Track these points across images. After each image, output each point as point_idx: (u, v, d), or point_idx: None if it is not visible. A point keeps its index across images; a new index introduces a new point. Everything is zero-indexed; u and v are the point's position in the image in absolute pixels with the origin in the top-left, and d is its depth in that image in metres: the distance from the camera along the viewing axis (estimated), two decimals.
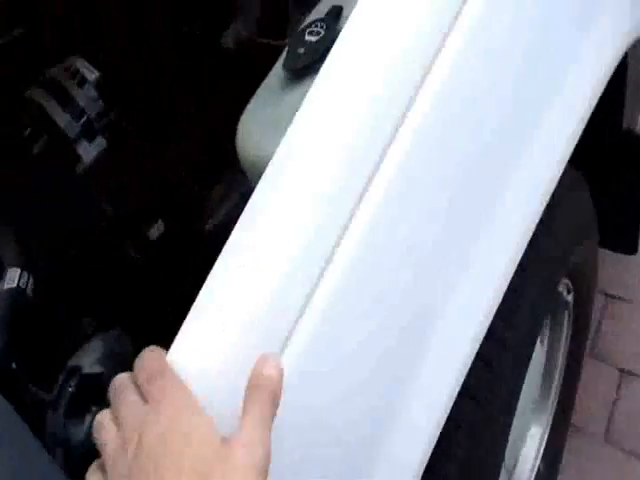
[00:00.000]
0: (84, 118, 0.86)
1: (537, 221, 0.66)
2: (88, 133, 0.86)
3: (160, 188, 0.94)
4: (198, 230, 0.90)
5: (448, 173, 0.56)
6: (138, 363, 0.45)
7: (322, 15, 0.59)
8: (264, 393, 0.41)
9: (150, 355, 0.45)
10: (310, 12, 0.62)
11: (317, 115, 0.50)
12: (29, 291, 0.75)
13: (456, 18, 0.53)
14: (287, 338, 0.46)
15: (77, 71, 0.88)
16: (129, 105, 0.88)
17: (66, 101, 0.87)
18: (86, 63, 0.88)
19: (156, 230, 0.93)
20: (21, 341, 0.71)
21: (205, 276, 0.47)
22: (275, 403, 0.42)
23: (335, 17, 0.58)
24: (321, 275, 0.47)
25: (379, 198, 0.50)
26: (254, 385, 0.42)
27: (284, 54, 0.60)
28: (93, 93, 0.86)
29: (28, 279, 0.76)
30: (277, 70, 0.62)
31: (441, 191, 0.56)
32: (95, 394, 0.56)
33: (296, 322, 0.46)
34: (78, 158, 0.86)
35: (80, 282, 0.85)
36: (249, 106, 0.62)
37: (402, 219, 0.53)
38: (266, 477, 0.39)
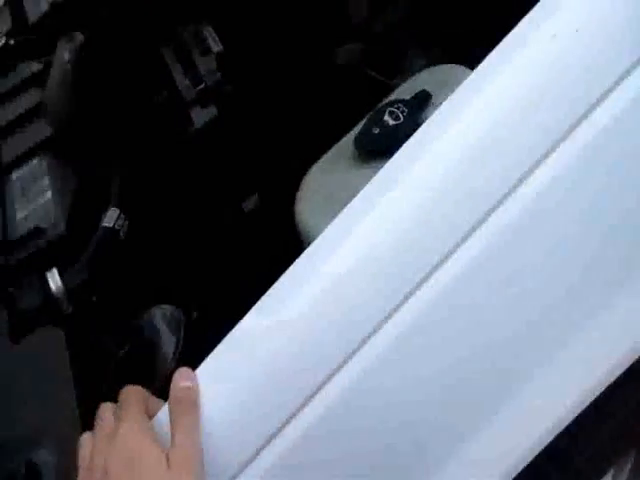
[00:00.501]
0: (201, 86, 0.90)
1: None
2: (202, 100, 0.90)
3: (260, 164, 0.97)
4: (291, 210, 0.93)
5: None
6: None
7: (408, 96, 0.57)
8: (186, 404, 0.45)
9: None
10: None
11: (375, 207, 0.47)
12: (122, 234, 0.81)
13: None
14: None
15: (204, 40, 0.92)
16: (244, 82, 0.91)
17: (189, 66, 0.91)
18: (214, 34, 0.92)
19: (251, 203, 0.97)
20: (106, 279, 0.77)
21: (291, 259, 0.49)
22: (197, 410, 0.45)
23: (420, 104, 0.55)
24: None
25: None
26: (175, 398, 0.46)
27: (360, 127, 0.59)
28: (213, 65, 0.90)
29: (124, 222, 0.82)
30: (348, 142, 0.61)
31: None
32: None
33: None
34: (190, 121, 0.90)
35: (171, 239, 0.90)
36: (313, 170, 0.62)
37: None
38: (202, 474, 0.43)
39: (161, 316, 0.69)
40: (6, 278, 0.77)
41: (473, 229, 0.46)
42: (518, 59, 0.48)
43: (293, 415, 0.47)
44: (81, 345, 0.67)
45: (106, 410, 0.48)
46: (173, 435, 0.45)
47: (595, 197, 0.48)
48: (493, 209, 0.46)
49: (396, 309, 0.46)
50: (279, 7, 0.90)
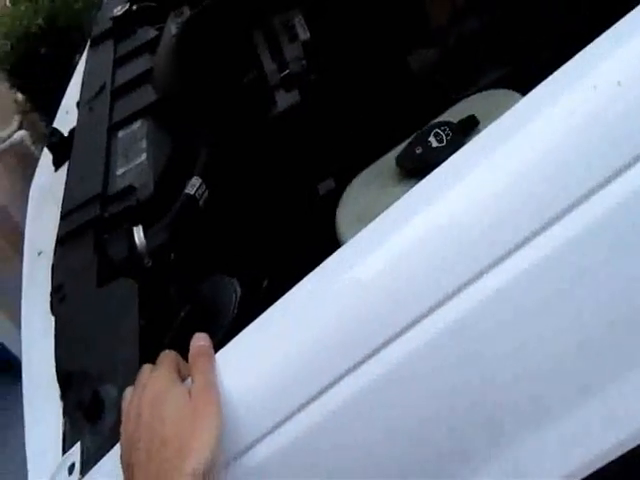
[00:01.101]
0: (286, 71, 0.93)
1: None
2: (286, 85, 0.93)
3: (337, 149, 0.99)
4: None
5: None
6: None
7: (455, 119, 0.57)
8: (203, 355, 0.53)
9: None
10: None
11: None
12: (201, 202, 0.87)
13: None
14: None
15: (293, 27, 0.95)
16: (328, 71, 0.93)
17: (276, 52, 0.95)
18: (303, 22, 0.94)
19: (326, 186, 1.00)
20: (184, 240, 0.84)
21: None
22: (212, 359, 0.53)
23: (466, 129, 0.55)
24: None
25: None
26: (194, 352, 0.54)
27: (403, 145, 0.59)
28: (300, 52, 0.92)
29: (204, 191, 0.88)
30: (390, 159, 0.61)
31: None
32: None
33: None
34: (273, 104, 0.94)
35: (246, 213, 0.95)
36: (355, 182, 0.62)
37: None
38: (219, 407, 0.49)
39: (222, 284, 0.75)
40: (101, 228, 0.85)
41: (501, 259, 0.47)
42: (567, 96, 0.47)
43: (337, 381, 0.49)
44: (152, 298, 0.74)
45: (145, 369, 0.55)
46: (193, 377, 0.52)
47: None
48: (520, 245, 0.46)
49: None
50: (366, 5, 0.91)
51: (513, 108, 0.48)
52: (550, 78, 0.48)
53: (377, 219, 0.50)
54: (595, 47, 0.48)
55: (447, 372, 0.48)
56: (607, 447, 0.50)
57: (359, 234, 0.50)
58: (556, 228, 0.45)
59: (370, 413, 0.49)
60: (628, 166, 0.45)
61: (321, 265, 0.52)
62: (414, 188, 0.48)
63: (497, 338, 0.48)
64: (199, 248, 0.84)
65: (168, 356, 0.55)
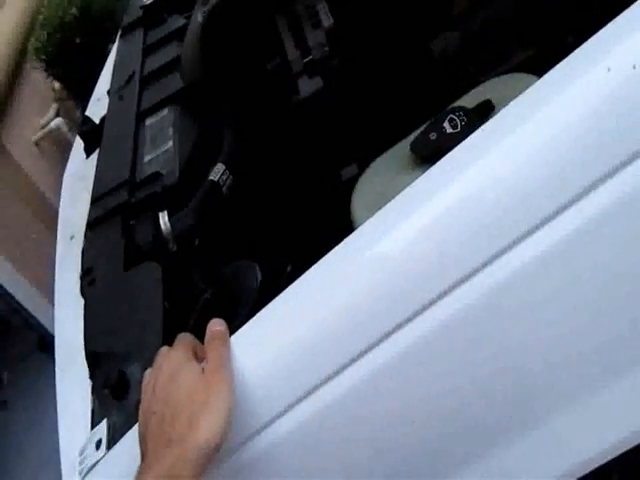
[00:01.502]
0: (309, 57, 0.93)
1: None
2: (309, 71, 0.93)
3: (360, 135, 0.99)
4: None
5: None
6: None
7: (471, 105, 0.56)
8: (218, 338, 0.55)
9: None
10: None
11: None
12: (225, 188, 0.88)
13: None
14: None
15: (316, 13, 0.95)
16: (351, 58, 0.93)
17: (299, 38, 0.95)
18: (326, 8, 0.94)
19: (350, 171, 1.00)
20: (208, 225, 0.86)
21: None
22: (227, 342, 0.55)
23: (481, 114, 0.54)
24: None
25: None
26: (210, 335, 0.56)
27: (418, 131, 0.58)
28: (322, 39, 0.92)
29: (227, 178, 0.89)
30: (405, 145, 0.60)
31: None
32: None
33: None
34: (296, 90, 0.94)
35: (271, 199, 0.96)
36: (370, 168, 0.62)
37: None
38: (232, 387, 0.51)
39: (244, 269, 0.76)
40: (128, 213, 0.87)
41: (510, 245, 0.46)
42: (582, 79, 0.46)
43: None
44: (176, 281, 0.76)
45: (163, 350, 0.57)
46: (207, 357, 0.54)
47: None
48: (530, 232, 0.46)
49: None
50: None
51: (526, 92, 0.47)
52: (564, 61, 0.47)
53: (390, 203, 0.50)
54: (610, 29, 0.46)
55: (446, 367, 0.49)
56: (601, 448, 0.50)
57: (371, 219, 0.51)
58: (570, 212, 0.45)
59: (369, 405, 0.50)
60: None
61: (333, 250, 0.53)
62: (426, 173, 0.48)
63: (493, 334, 0.48)
64: (223, 233, 0.85)
65: (185, 338, 0.57)
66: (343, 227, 0.92)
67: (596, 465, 0.52)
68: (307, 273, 0.54)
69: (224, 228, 0.86)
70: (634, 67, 0.43)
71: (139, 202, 0.88)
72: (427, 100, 0.78)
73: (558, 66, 0.48)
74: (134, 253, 0.81)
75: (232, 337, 0.57)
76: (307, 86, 0.93)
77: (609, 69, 0.44)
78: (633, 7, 0.46)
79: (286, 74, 0.96)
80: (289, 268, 0.93)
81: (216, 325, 0.57)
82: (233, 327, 0.59)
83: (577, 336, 0.49)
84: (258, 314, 0.57)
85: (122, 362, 0.65)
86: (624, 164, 0.44)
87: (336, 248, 0.53)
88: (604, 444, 0.51)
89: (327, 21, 0.93)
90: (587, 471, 0.53)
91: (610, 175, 0.44)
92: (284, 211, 0.96)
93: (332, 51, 0.92)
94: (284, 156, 0.96)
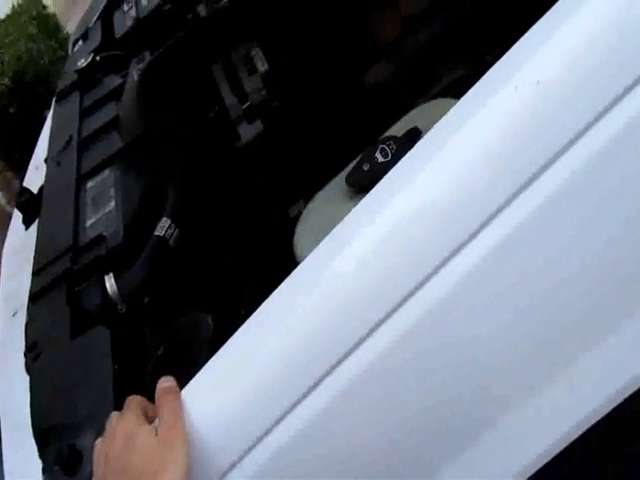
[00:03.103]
0: (247, 103, 0.98)
1: None
2: (249, 116, 0.98)
3: (305, 171, 1.04)
4: None
5: None
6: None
7: (400, 133, 0.61)
8: (169, 394, 0.56)
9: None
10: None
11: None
12: (172, 242, 0.90)
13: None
14: None
15: (251, 59, 1.00)
16: (289, 98, 0.98)
17: (236, 86, 0.99)
18: (261, 54, 0.99)
19: (296, 209, 1.04)
20: (156, 282, 0.87)
21: None
22: (178, 397, 0.56)
23: (410, 140, 0.59)
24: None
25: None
26: (160, 392, 0.57)
27: (352, 164, 0.63)
28: (259, 83, 0.97)
29: (174, 232, 0.92)
30: (341, 179, 0.65)
31: None
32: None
33: None
34: (237, 136, 0.98)
35: (220, 246, 0.98)
36: (310, 205, 0.66)
37: None
38: (186, 440, 0.52)
39: (195, 321, 0.78)
40: (73, 280, 0.88)
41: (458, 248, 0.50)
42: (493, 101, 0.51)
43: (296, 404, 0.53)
44: (127, 342, 0.77)
45: (112, 416, 0.58)
46: (159, 415, 0.55)
47: None
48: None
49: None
50: (316, 30, 0.96)
51: (445, 116, 0.52)
52: (478, 83, 0.52)
53: (326, 237, 0.53)
54: (515, 50, 0.52)
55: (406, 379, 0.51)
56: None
57: (311, 254, 0.53)
58: (499, 220, 0.49)
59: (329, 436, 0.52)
60: (552, 161, 0.48)
61: (277, 290, 0.55)
62: (360, 202, 0.52)
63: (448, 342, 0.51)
64: (173, 287, 0.87)
65: (133, 401, 0.58)
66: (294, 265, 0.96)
67: (543, 463, 0.56)
68: (249, 319, 0.57)
69: (174, 281, 0.87)
70: (537, 83, 0.48)
71: (83, 268, 0.89)
72: (364, 131, 0.83)
73: (472, 89, 0.53)
74: (81, 320, 0.82)
75: (185, 388, 0.58)
76: (248, 131, 0.97)
77: (516, 87, 0.48)
78: (535, 26, 0.51)
79: (226, 122, 1.00)
80: (243, 312, 0.94)
81: (165, 382, 0.58)
82: (189, 380, 0.60)
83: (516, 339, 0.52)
84: (208, 362, 0.58)
85: (73, 435, 0.65)
86: (536, 175, 0.48)
87: (279, 287, 0.56)
88: (548, 442, 0.54)
89: (262, 66, 0.98)
90: (536, 469, 0.56)
91: (530, 182, 0.49)
92: (234, 256, 0.98)
93: (270, 94, 0.96)
94: (231, 202, 0.99)
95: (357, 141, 0.83)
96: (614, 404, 0.55)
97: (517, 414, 0.54)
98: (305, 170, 0.99)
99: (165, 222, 0.92)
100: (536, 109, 0.49)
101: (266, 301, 0.56)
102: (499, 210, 0.49)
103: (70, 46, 1.69)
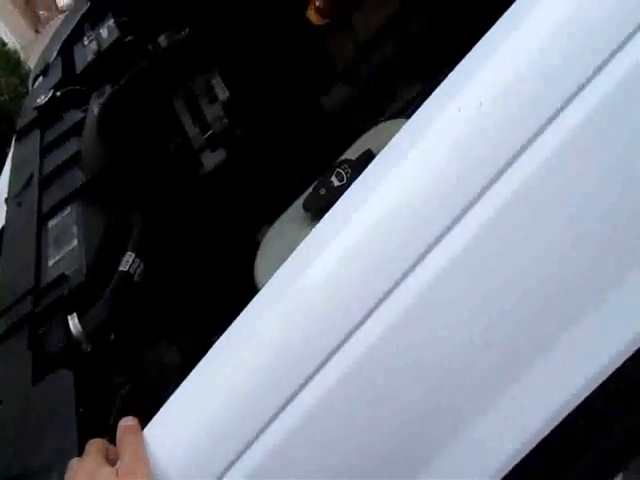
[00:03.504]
0: (209, 132, 0.98)
1: None
2: (211, 145, 0.98)
3: (270, 196, 1.04)
4: None
5: None
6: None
7: (355, 156, 0.62)
8: (130, 432, 0.56)
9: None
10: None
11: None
12: (136, 277, 0.89)
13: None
14: None
15: (212, 88, 1.01)
16: (251, 125, 0.99)
17: (197, 115, 1.00)
18: (221, 82, 1.00)
19: (263, 234, 1.03)
20: (122, 318, 0.86)
21: None
22: (140, 436, 0.55)
23: (364, 163, 0.60)
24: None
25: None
26: (121, 431, 0.56)
27: (308, 191, 0.64)
28: (220, 112, 0.98)
29: (138, 266, 0.90)
30: (299, 205, 0.66)
31: None
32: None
33: None
34: (201, 165, 0.98)
35: (188, 275, 0.98)
36: (270, 232, 0.67)
37: None
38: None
39: (162, 355, 0.76)
40: (35, 323, 0.87)
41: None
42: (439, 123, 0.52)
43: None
44: (93, 382, 0.75)
45: (72, 462, 0.57)
46: (121, 456, 0.54)
47: None
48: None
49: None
50: (275, 56, 0.97)
51: (394, 137, 0.53)
52: (424, 103, 0.53)
53: (288, 260, 0.53)
54: (458, 71, 0.53)
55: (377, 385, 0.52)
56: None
57: (273, 277, 0.54)
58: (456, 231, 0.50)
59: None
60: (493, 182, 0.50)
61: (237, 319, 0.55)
62: (316, 226, 0.52)
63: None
64: (140, 321, 0.85)
65: (94, 444, 0.57)
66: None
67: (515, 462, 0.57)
68: (211, 350, 0.56)
69: (141, 316, 0.86)
70: (480, 104, 0.49)
71: (45, 309, 0.87)
72: (325, 154, 0.84)
73: (421, 108, 0.54)
74: (44, 364, 0.80)
75: (148, 426, 0.57)
76: (211, 159, 0.97)
77: (459, 109, 0.50)
78: (476, 46, 0.53)
79: (189, 151, 1.00)
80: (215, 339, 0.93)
81: (126, 421, 0.58)
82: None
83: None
84: (170, 397, 0.57)
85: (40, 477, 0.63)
86: (481, 193, 0.50)
87: (239, 316, 0.55)
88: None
89: (223, 94, 0.99)
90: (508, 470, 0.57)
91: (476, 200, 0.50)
92: (202, 286, 0.97)
93: (231, 122, 0.97)
94: (196, 231, 0.99)
95: (319, 164, 0.84)
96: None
97: (488, 416, 0.55)
98: (270, 195, 0.99)
99: (129, 256, 0.91)
100: (478, 130, 0.50)
101: (227, 331, 0.56)
102: (449, 229, 0.50)
103: (30, 82, 1.69)
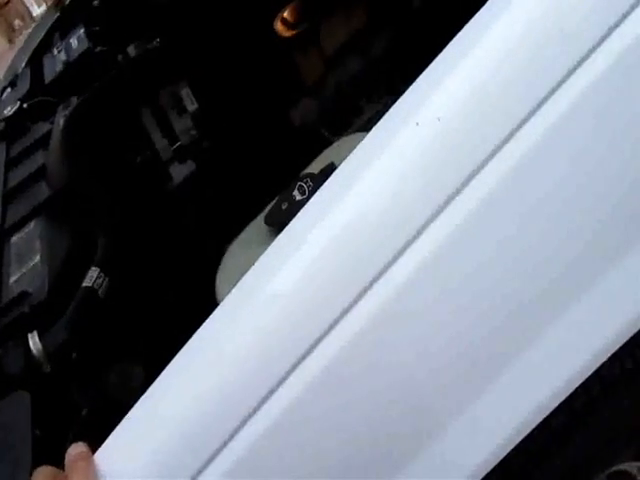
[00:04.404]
0: (177, 144, 0.97)
1: None
2: (180, 157, 0.97)
3: (241, 208, 1.03)
4: None
5: None
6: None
7: (318, 170, 0.62)
8: (79, 462, 0.54)
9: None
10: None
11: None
12: (101, 292, 0.87)
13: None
14: None
15: (180, 100, 1.00)
16: (220, 137, 0.98)
17: (165, 127, 0.99)
18: (190, 93, 0.99)
19: None
20: (85, 336, 0.84)
21: None
22: (89, 462, 0.54)
23: (326, 176, 0.60)
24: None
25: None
26: (69, 462, 0.55)
27: (270, 206, 0.64)
28: (189, 124, 0.97)
29: (103, 281, 0.89)
30: (260, 220, 0.66)
31: None
32: None
33: None
34: (169, 177, 0.97)
35: (156, 290, 0.96)
36: (231, 248, 0.67)
37: None
38: None
39: (125, 374, 0.74)
40: None
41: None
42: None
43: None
44: (51, 404, 0.73)
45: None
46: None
47: None
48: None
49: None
50: (244, 69, 0.97)
51: (354, 151, 0.53)
52: (384, 117, 0.53)
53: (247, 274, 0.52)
54: (417, 85, 0.53)
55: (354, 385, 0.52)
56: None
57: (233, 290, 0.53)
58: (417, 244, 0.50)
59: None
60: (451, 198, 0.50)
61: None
62: (276, 239, 0.52)
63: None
64: (103, 339, 0.84)
65: (41, 472, 0.55)
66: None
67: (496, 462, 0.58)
68: (167, 367, 0.55)
69: (104, 333, 0.84)
70: (438, 120, 0.49)
71: (5, 327, 0.85)
72: (290, 167, 0.84)
73: (379, 123, 0.54)
74: (2, 384, 0.78)
75: (99, 450, 0.55)
76: (179, 171, 0.96)
77: (417, 123, 0.50)
78: (435, 60, 0.53)
79: (156, 164, 0.99)
80: None
81: (76, 448, 0.56)
82: None
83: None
84: (125, 416, 0.56)
85: None
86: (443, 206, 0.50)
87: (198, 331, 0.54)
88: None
89: (191, 106, 0.98)
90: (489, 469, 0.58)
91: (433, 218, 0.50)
92: (168, 301, 0.96)
93: (200, 134, 0.96)
94: (163, 245, 0.98)
95: (286, 177, 0.83)
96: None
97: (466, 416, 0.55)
98: (237, 208, 0.99)
99: (94, 271, 0.89)
100: (436, 145, 0.50)
101: (186, 344, 0.54)
102: (407, 245, 0.50)
103: None
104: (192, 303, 0.95)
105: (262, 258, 0.53)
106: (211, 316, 0.54)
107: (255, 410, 0.51)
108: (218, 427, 0.51)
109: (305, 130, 0.97)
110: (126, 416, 0.55)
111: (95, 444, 0.59)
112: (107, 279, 0.88)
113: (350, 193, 0.51)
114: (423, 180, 0.50)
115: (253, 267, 0.53)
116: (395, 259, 0.50)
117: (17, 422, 0.67)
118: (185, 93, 1.00)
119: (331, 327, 0.50)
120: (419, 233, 0.50)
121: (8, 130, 1.40)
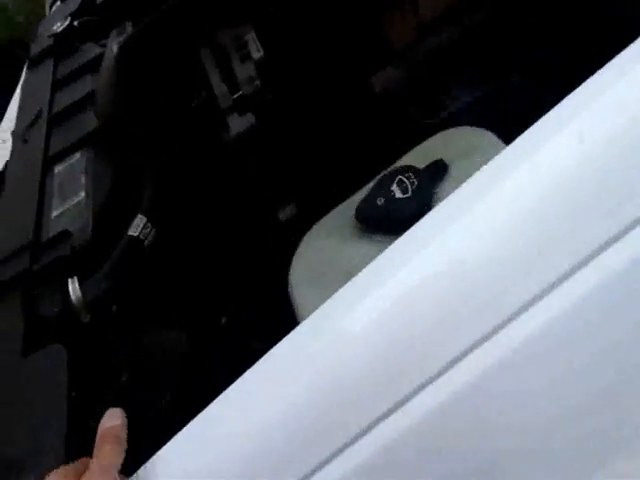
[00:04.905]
0: (239, 93, 0.90)
1: None
2: (240, 107, 0.90)
3: (298, 173, 0.96)
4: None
5: None
6: None
7: (421, 164, 0.52)
8: (108, 438, 0.48)
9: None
10: None
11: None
12: (147, 243, 0.83)
13: None
14: None
15: (245, 44, 0.92)
16: (284, 91, 0.90)
17: (227, 72, 0.91)
18: (255, 38, 0.91)
19: (288, 212, 0.96)
20: (128, 288, 0.80)
21: None
22: (118, 443, 0.49)
23: (434, 176, 0.49)
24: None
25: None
26: (101, 434, 0.49)
27: (363, 194, 0.53)
28: (253, 72, 0.89)
29: (150, 232, 0.84)
30: (351, 206, 0.56)
31: None
32: None
33: None
34: (226, 128, 0.90)
35: (203, 248, 0.91)
36: (310, 234, 0.58)
37: None
38: None
39: (168, 342, 0.71)
40: (31, 283, 0.81)
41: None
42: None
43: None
44: (89, 360, 0.70)
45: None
46: (90, 466, 0.48)
47: None
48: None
49: None
50: (322, 20, 0.88)
51: (492, 161, 0.43)
52: (533, 127, 0.43)
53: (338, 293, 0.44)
54: (580, 93, 0.43)
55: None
56: None
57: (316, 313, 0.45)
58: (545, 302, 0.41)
59: None
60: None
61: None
62: (378, 258, 0.43)
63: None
64: (146, 296, 0.80)
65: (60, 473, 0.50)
66: (281, 277, 0.88)
67: None
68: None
69: (147, 290, 0.80)
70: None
71: (44, 268, 0.81)
72: (367, 139, 0.76)
73: (527, 132, 0.43)
74: (37, 332, 0.74)
75: (167, 446, 0.50)
76: (238, 123, 0.90)
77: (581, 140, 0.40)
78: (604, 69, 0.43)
79: (214, 111, 0.92)
80: (224, 320, 0.88)
81: (112, 419, 0.50)
82: (153, 414, 0.53)
83: None
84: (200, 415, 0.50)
85: (16, 473, 0.58)
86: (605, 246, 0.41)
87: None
88: None
89: (257, 53, 0.90)
90: None
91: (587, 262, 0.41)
92: (216, 264, 0.91)
93: (264, 85, 0.89)
94: (214, 201, 0.92)
95: (357, 148, 0.76)
96: None
97: None
98: (298, 172, 0.92)
99: (140, 220, 0.84)
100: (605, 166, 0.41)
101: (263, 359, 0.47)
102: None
103: (47, 6, 1.59)
104: (241, 267, 0.90)
105: (356, 279, 0.43)
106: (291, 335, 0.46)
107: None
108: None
109: (385, 100, 0.89)
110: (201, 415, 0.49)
111: (131, 411, 0.54)
112: (154, 230, 0.84)
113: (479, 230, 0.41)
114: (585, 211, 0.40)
115: (341, 289, 0.44)
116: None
117: (51, 379, 0.64)
118: (251, 38, 0.92)
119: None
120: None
121: (57, 47, 1.33)
